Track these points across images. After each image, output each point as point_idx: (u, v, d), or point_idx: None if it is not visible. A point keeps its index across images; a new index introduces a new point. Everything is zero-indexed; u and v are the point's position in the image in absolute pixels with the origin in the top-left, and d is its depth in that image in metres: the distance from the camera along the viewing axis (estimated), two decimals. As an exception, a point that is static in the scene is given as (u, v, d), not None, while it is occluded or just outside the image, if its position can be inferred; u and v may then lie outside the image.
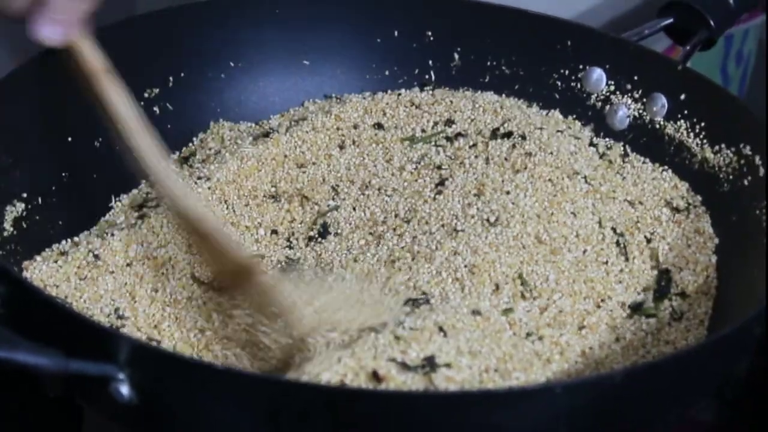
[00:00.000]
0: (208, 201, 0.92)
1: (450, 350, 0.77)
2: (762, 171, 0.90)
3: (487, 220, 0.88)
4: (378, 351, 0.75)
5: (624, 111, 1.01)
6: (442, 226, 0.89)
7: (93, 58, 0.87)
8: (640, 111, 1.00)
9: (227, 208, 0.93)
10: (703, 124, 0.96)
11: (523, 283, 0.85)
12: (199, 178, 0.93)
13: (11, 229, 0.85)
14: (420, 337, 0.77)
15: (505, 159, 0.93)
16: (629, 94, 1.01)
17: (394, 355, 0.75)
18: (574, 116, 1.01)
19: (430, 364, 0.75)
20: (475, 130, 0.97)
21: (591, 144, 0.98)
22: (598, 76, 1.02)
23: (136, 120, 0.86)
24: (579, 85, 1.02)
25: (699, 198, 0.94)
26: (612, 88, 1.01)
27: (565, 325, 0.84)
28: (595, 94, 1.02)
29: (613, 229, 0.90)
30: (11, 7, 0.85)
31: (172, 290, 0.86)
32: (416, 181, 0.94)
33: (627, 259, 0.88)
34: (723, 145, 0.94)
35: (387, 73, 1.05)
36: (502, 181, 0.91)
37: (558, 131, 0.97)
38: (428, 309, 0.82)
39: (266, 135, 0.98)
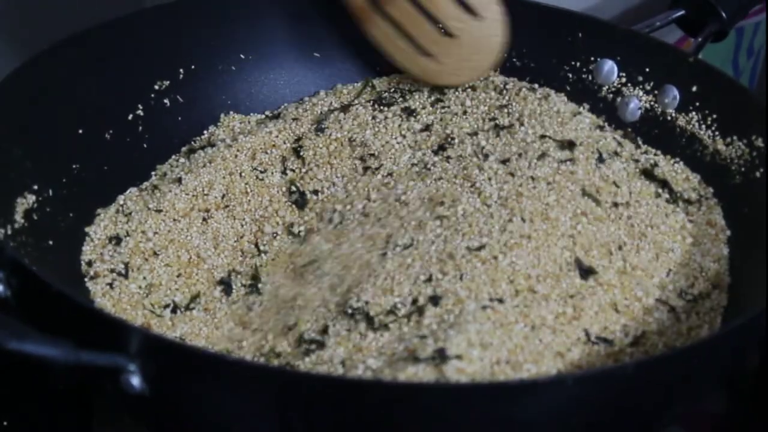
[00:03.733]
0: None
1: (461, 342, 0.77)
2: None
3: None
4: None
5: (635, 103, 1.00)
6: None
7: None
8: (652, 103, 1.00)
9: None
10: (714, 116, 0.96)
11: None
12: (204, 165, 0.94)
13: (23, 220, 0.85)
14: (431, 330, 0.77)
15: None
16: (641, 86, 1.00)
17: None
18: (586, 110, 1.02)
19: (440, 356, 0.75)
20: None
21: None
22: (609, 68, 1.02)
23: None
24: (590, 77, 1.02)
25: (710, 190, 0.94)
26: (623, 80, 1.01)
27: (577, 318, 0.84)
28: (607, 86, 1.02)
29: (623, 221, 0.90)
30: None
31: None
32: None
33: (638, 252, 0.88)
34: (735, 137, 0.94)
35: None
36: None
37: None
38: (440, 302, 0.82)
39: (277, 117, 1.00)
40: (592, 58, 1.02)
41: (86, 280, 0.87)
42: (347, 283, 0.85)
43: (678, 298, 0.86)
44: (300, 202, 0.95)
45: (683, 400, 0.78)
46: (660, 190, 0.93)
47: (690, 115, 0.98)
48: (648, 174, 0.94)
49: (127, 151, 0.96)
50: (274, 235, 0.93)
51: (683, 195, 0.93)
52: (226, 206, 0.93)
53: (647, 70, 1.00)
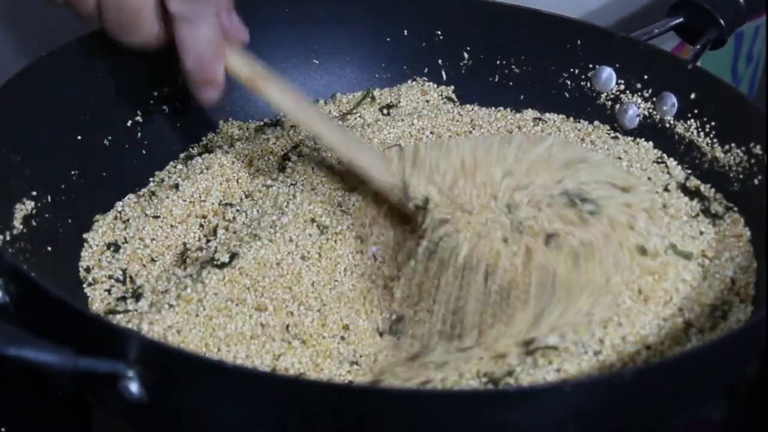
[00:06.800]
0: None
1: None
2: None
3: None
4: None
5: (634, 110, 1.01)
6: None
7: (242, 68, 0.90)
8: (650, 110, 1.00)
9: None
10: (713, 123, 0.96)
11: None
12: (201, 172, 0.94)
13: (21, 226, 0.85)
14: None
15: None
16: (639, 94, 1.01)
17: None
18: (584, 117, 1.02)
19: None
20: None
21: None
22: (607, 75, 1.02)
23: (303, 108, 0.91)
24: (589, 85, 1.02)
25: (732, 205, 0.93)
26: (622, 87, 1.01)
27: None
28: (605, 94, 1.02)
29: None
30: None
31: None
32: None
33: (663, 276, 0.85)
34: (733, 145, 0.94)
35: (396, 72, 1.05)
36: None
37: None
38: None
39: (275, 124, 1.01)
40: (591, 65, 1.02)
41: (84, 286, 0.87)
42: None
43: (704, 317, 0.84)
44: None
45: (682, 408, 0.78)
46: (694, 204, 0.93)
47: (688, 122, 0.98)
48: (684, 188, 0.94)
49: (126, 157, 0.96)
50: None
51: (711, 209, 0.92)
52: (223, 213, 0.93)
53: (646, 77, 1.00)
